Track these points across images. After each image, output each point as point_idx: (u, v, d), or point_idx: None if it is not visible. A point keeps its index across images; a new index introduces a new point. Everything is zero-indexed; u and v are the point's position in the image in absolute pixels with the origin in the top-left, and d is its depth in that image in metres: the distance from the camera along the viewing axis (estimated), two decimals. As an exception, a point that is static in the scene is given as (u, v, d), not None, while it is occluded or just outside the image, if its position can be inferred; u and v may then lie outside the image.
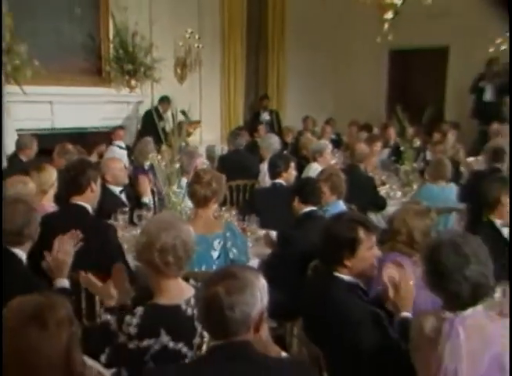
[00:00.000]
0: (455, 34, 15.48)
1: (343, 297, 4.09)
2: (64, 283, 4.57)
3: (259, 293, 2.96)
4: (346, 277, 4.17)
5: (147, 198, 7.27)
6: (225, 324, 2.91)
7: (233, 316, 2.88)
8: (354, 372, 3.98)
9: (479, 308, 3.41)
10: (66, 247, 4.60)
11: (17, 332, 2.20)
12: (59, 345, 2.23)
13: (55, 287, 4.49)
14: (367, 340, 3.94)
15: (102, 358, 3.56)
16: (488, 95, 15.39)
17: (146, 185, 7.37)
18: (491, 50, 14.56)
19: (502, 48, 14.40)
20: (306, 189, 6.16)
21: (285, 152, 10.63)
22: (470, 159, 10.80)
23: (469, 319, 3.37)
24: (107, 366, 3.50)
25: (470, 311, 3.39)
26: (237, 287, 2.91)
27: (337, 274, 4.17)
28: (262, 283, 3.03)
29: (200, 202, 5.56)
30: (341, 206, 6.53)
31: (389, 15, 8.48)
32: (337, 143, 12.06)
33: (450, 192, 8.18)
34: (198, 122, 12.16)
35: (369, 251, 4.17)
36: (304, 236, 5.51)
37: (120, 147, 10.70)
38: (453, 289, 3.35)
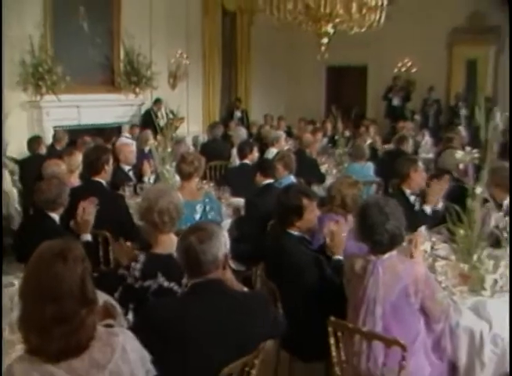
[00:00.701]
0: (371, 57, 16.25)
1: (293, 247, 4.11)
2: (88, 237, 4.61)
3: (223, 239, 3.00)
4: (295, 233, 4.19)
5: (147, 178, 7.18)
6: (199, 265, 2.93)
7: (206, 259, 2.91)
8: (301, 302, 3.99)
9: (394, 252, 3.48)
10: (89, 209, 4.60)
11: (48, 265, 2.22)
12: (76, 275, 2.24)
13: (81, 241, 4.46)
14: (311, 278, 3.99)
15: (116, 295, 3.50)
16: (395, 102, 15.93)
17: (147, 167, 7.27)
18: (395, 70, 15.69)
19: (403, 70, 15.47)
20: (265, 167, 6.18)
21: (250, 140, 10.55)
22: (385, 146, 10.81)
23: (386, 261, 3.44)
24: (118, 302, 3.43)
25: (387, 255, 3.45)
26: (206, 237, 2.95)
27: (288, 231, 4.18)
28: (224, 232, 3.09)
29: (185, 176, 5.57)
30: (292, 179, 6.47)
31: (325, 40, 8.53)
32: (288, 134, 11.98)
33: (369, 169, 8.22)
34: (182, 118, 12.14)
35: (311, 213, 4.20)
36: (264, 202, 5.46)
37: (127, 137, 10.59)
38: (377, 239, 3.42)
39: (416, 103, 16.00)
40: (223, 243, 2.99)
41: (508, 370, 3.45)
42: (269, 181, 6.04)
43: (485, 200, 4.12)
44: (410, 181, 5.64)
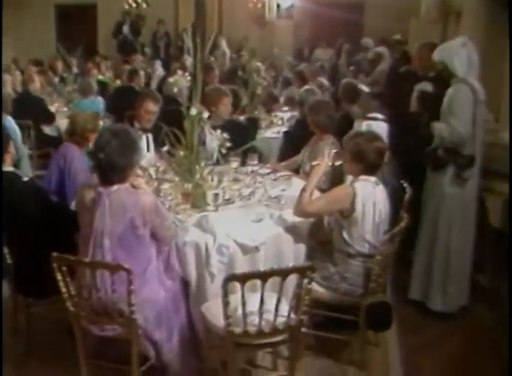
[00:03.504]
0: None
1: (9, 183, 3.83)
2: None
3: None
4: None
5: None
6: None
7: None
8: (27, 240, 3.80)
9: (124, 185, 3.30)
10: None
11: None
12: None
13: None
14: (34, 209, 3.82)
15: None
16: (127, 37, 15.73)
17: None
18: (126, 6, 16.00)
19: (133, 5, 16.01)
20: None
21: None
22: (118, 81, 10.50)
23: (114, 193, 3.26)
24: None
25: (116, 187, 3.27)
26: None
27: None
28: None
29: None
30: (10, 120, 6.06)
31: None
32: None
33: (99, 104, 8.01)
34: None
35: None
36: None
37: None
38: (104, 169, 3.26)
39: (147, 37, 15.97)
40: None
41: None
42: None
43: (200, 120, 4.10)
44: (139, 116, 5.49)
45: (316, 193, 4.10)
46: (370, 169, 3.89)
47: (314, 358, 4.08)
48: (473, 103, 4.44)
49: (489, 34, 7.62)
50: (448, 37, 9.91)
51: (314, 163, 4.12)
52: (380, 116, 5.46)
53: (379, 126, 5.27)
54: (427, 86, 5.40)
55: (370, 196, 3.82)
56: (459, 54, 4.45)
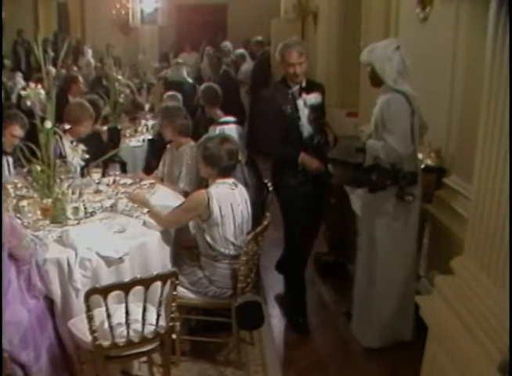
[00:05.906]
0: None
1: None
2: None
3: None
4: None
5: None
6: None
7: None
8: None
9: None
10: None
11: None
12: None
13: None
14: None
15: None
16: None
17: None
18: None
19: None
20: None
21: None
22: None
23: None
24: None
25: None
26: None
27: None
28: None
29: None
30: None
31: None
32: None
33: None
34: None
35: None
36: None
37: None
38: None
39: (8, 48, 15.09)
40: None
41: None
42: None
43: (55, 133, 4.03)
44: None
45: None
46: (225, 171, 3.96)
47: (191, 362, 4.10)
48: (410, 114, 3.89)
49: (343, 32, 8.07)
50: (308, 36, 10.38)
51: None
52: (231, 119, 5.59)
53: (231, 129, 5.40)
54: (312, 99, 4.48)
55: (227, 198, 3.90)
56: (392, 59, 3.87)
